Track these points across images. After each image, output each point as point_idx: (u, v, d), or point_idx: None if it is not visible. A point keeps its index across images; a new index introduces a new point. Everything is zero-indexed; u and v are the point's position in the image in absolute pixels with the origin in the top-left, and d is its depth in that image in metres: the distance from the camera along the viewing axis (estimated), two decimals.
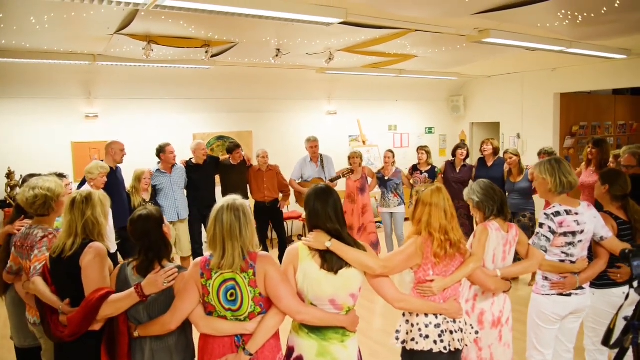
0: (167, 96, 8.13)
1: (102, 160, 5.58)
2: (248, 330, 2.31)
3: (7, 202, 6.67)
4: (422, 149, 7.08)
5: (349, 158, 7.08)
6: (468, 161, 7.04)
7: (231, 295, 2.31)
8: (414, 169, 7.14)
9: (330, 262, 2.38)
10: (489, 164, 6.56)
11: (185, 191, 6.52)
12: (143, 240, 2.46)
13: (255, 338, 2.30)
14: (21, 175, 6.49)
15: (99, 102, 7.66)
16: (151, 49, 5.43)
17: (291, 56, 6.71)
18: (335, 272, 2.37)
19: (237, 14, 3.95)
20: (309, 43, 6.00)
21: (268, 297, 2.33)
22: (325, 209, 2.43)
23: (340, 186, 7.28)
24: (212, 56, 6.09)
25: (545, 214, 3.08)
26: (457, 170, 6.83)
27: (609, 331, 2.62)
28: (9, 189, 6.75)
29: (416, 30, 5.34)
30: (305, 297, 2.40)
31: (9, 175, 6.81)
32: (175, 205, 6.22)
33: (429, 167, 7.01)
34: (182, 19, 4.68)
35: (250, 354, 2.29)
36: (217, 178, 6.87)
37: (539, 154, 6.15)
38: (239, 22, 4.74)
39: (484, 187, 3.07)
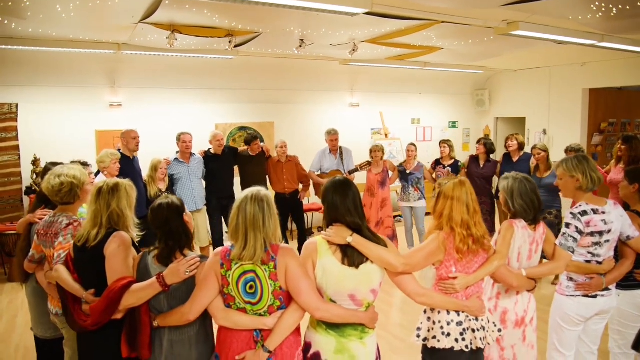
0: (190, 86, 8.16)
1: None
2: (267, 325, 2.27)
3: (33, 188, 6.78)
4: (444, 142, 7.00)
5: (371, 151, 7.02)
6: (492, 156, 6.91)
7: (250, 287, 2.27)
8: (437, 163, 7.05)
9: (352, 257, 2.32)
10: (515, 159, 6.44)
11: (202, 181, 6.55)
12: (163, 229, 2.43)
13: (274, 335, 2.26)
14: (46, 163, 6.59)
15: (123, 91, 7.73)
16: (175, 38, 5.44)
17: (315, 47, 6.65)
18: (357, 267, 2.32)
19: (262, 3, 3.92)
20: (333, 34, 5.94)
21: (288, 291, 2.29)
22: (345, 202, 2.36)
23: (361, 179, 7.25)
24: (235, 46, 6.08)
25: (572, 213, 2.98)
26: (481, 165, 6.72)
27: None
28: (34, 176, 6.86)
29: (443, 22, 5.24)
30: (325, 292, 2.35)
31: (35, 162, 6.91)
32: (192, 195, 6.24)
33: (452, 161, 6.93)
34: (206, 8, 4.67)
35: (269, 351, 2.25)
36: (236, 169, 6.87)
37: (566, 151, 5.98)
38: (263, 11, 4.70)
39: (525, 199, 2.87)
